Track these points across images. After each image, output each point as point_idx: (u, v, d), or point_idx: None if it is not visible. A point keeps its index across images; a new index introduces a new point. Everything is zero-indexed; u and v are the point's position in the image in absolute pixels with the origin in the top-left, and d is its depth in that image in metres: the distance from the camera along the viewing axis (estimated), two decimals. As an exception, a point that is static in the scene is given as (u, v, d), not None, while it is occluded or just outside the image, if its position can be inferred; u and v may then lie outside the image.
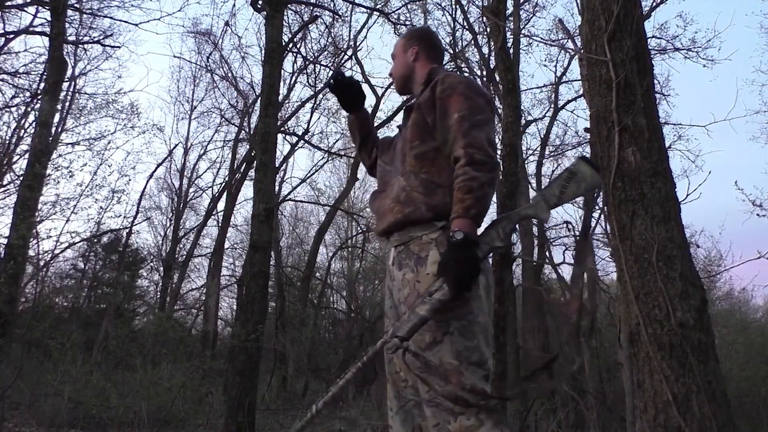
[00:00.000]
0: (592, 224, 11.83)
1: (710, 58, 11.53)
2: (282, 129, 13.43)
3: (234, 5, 20.49)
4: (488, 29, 9.66)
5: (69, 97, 13.89)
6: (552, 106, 14.08)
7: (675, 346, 2.35)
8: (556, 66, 13.86)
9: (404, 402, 1.85)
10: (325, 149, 15.57)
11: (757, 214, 7.20)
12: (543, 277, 12.39)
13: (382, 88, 14.35)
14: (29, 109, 12.41)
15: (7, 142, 12.45)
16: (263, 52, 7.82)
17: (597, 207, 11.64)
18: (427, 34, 2.26)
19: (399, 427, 1.88)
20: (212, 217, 17.38)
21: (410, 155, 1.95)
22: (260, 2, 8.57)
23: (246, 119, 15.63)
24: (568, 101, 14.01)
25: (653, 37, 11.45)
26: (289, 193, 16.10)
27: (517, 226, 1.92)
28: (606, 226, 10.45)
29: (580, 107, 13.73)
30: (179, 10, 31.06)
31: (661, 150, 2.61)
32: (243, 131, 15.89)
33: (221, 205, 16.52)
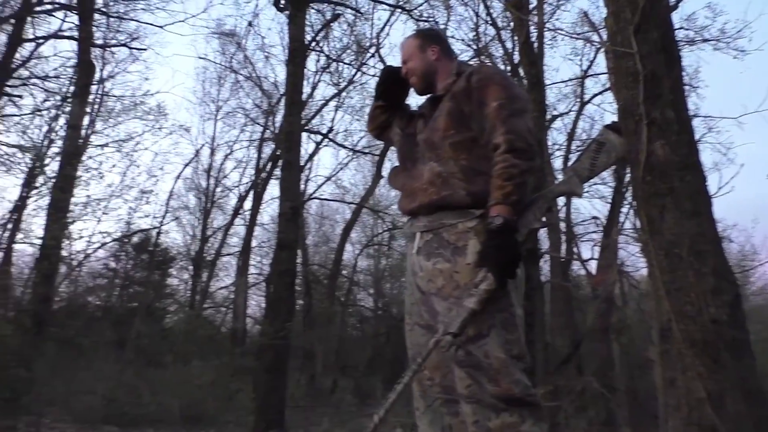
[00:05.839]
0: (621, 219, 11.68)
1: (741, 48, 11.16)
2: (306, 128, 13.48)
3: (257, 5, 20.52)
4: (512, 24, 9.56)
5: (98, 100, 14.11)
6: (578, 100, 13.86)
7: (708, 343, 2.30)
8: (581, 60, 13.57)
9: (431, 401, 1.80)
10: (350, 147, 15.63)
11: (792, 207, 7.00)
12: (571, 273, 12.24)
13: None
14: (59, 112, 12.66)
15: (39, 144, 12.73)
16: (286, 51, 7.85)
17: (626, 202, 11.49)
18: (442, 33, 2.32)
19: (426, 428, 1.83)
20: (239, 216, 17.52)
21: (445, 144, 1.87)
22: (283, 2, 8.62)
23: (271, 119, 15.71)
24: (595, 95, 13.73)
25: (681, 28, 11.16)
26: (314, 192, 16.18)
27: (544, 219, 1.90)
28: (635, 220, 10.30)
29: (606, 101, 13.46)
30: (203, 12, 30.69)
31: (690, 143, 2.56)
32: (268, 131, 15.98)
33: (248, 204, 16.67)
